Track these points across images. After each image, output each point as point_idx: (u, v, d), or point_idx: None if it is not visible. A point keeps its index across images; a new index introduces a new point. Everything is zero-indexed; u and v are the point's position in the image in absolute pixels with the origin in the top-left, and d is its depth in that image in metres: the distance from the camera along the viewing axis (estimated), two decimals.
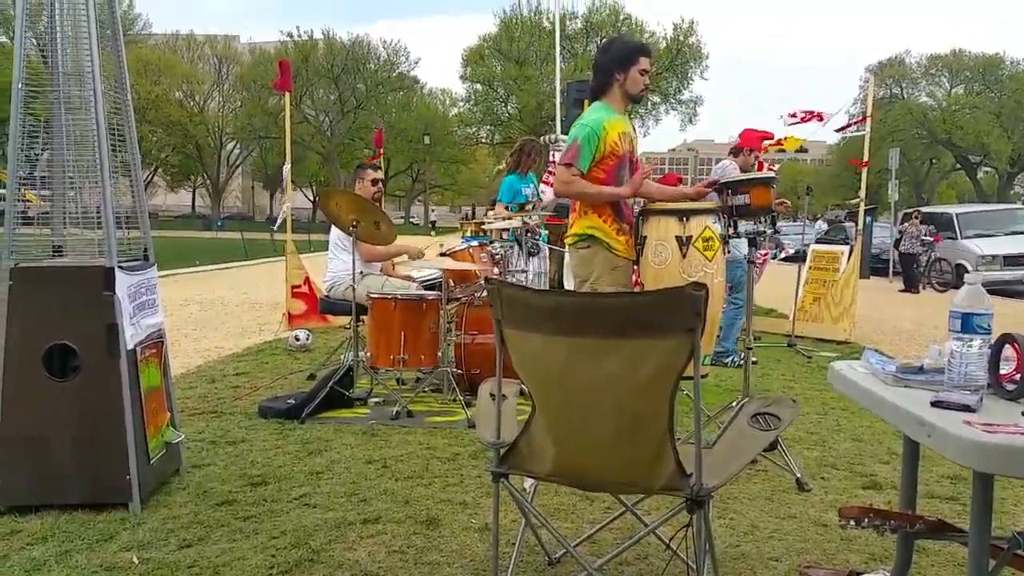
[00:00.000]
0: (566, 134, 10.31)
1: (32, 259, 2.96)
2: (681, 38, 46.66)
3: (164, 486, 3.17)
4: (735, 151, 6.40)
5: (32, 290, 2.89)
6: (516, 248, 5.77)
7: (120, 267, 2.95)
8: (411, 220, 61.38)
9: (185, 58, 55.23)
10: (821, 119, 7.83)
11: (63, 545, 2.60)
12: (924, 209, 19.39)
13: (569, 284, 6.39)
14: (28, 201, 3.03)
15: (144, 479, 2.94)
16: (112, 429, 2.88)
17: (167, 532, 2.73)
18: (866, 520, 1.74)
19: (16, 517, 2.79)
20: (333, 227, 5.34)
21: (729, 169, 6.13)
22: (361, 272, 5.10)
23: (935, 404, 1.50)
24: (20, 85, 2.87)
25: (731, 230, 3.46)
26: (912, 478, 1.89)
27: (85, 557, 2.52)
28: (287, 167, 8.47)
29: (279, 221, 8.82)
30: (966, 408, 1.47)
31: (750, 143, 6.37)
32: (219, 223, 47.37)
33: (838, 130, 8.57)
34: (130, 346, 2.95)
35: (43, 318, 2.89)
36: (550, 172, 8.43)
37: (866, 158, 7.72)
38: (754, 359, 5.48)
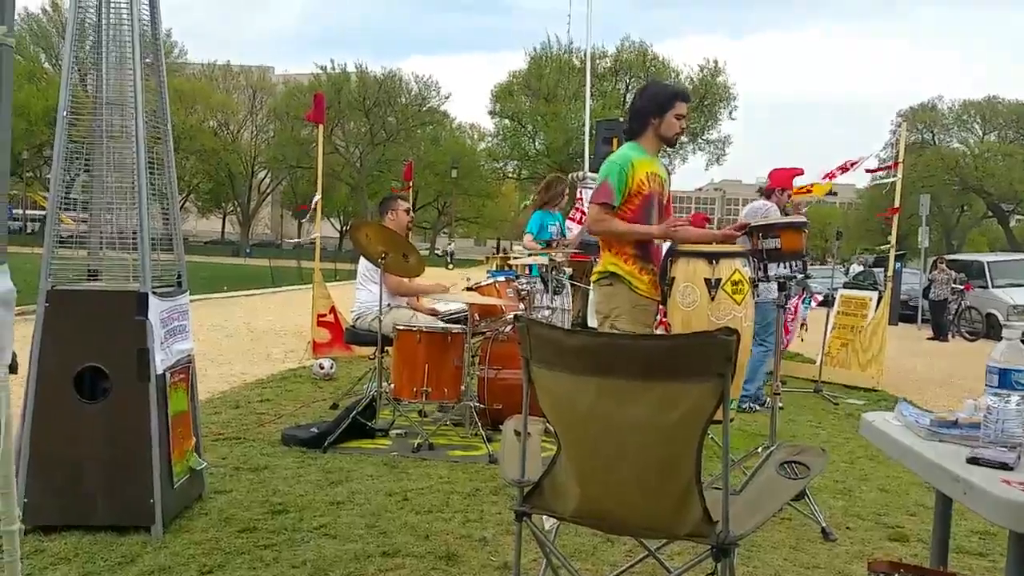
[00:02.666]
0: (595, 171, 10.38)
1: (68, 282, 3.01)
2: (709, 78, 46.91)
3: (186, 511, 3.18)
4: (767, 192, 6.33)
5: (66, 313, 2.94)
6: (541, 285, 5.78)
7: (154, 292, 3.00)
8: (435, 252, 61.73)
9: (220, 87, 56.38)
10: (846, 169, 7.82)
11: (86, 566, 2.61)
12: (954, 256, 19.17)
13: (593, 322, 6.37)
14: (62, 223, 3.09)
15: (167, 503, 2.96)
16: (138, 452, 2.91)
17: (188, 557, 2.74)
18: (896, 575, 1.70)
19: (41, 536, 2.82)
20: (362, 258, 5.38)
21: (771, 211, 6.05)
22: (388, 304, 5.13)
23: (971, 461, 1.47)
24: (65, 113, 2.95)
25: (761, 274, 3.45)
26: (944, 533, 1.85)
27: None
28: (318, 197, 8.58)
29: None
30: (1003, 466, 1.44)
31: (781, 182, 6.30)
32: (248, 250, 47.94)
33: (869, 170, 8.52)
34: (160, 371, 2.99)
35: (76, 340, 2.94)
36: (577, 209, 8.48)
37: (897, 204, 7.67)
38: (780, 404, 5.40)
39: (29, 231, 42.78)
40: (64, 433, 2.91)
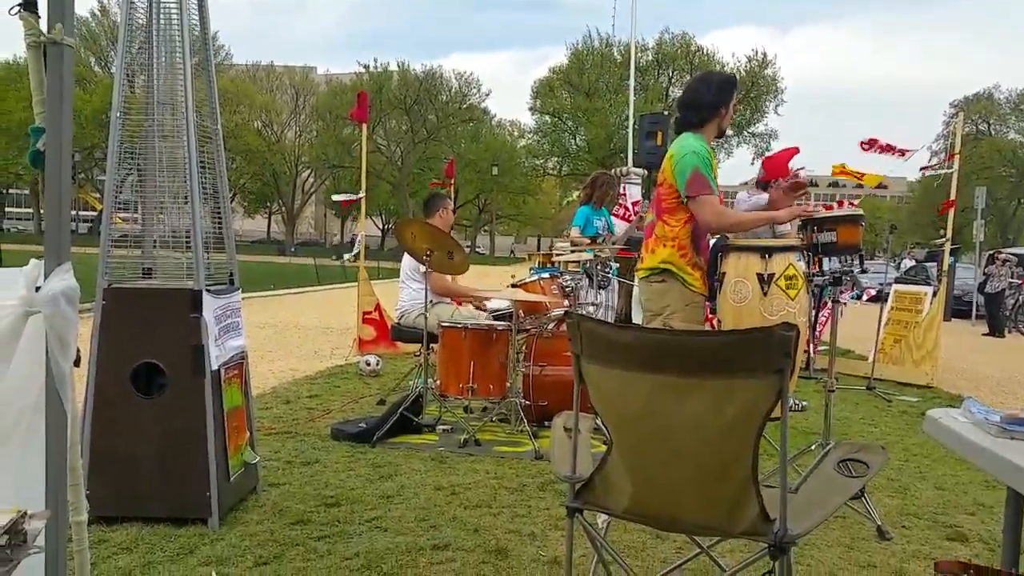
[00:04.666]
0: (637, 167, 10.28)
1: (124, 280, 3.08)
2: (757, 69, 46.12)
3: (241, 503, 3.24)
4: (762, 184, 5.96)
5: (123, 310, 3.01)
6: (586, 281, 5.75)
7: (207, 290, 3.05)
8: (476, 250, 61.93)
9: (264, 88, 57.18)
10: (903, 154, 7.58)
11: (146, 556, 2.67)
12: (1011, 250, 18.59)
13: (637, 318, 6.30)
14: (114, 223, 3.15)
15: (223, 496, 3.01)
16: (195, 446, 2.96)
17: (244, 549, 2.79)
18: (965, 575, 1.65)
19: (103, 527, 2.89)
20: (405, 256, 5.41)
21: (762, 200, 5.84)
22: (432, 301, 5.15)
23: None
24: (119, 113, 3.00)
25: (815, 268, 3.37)
26: (1015, 534, 1.79)
27: (167, 569, 2.59)
28: (361, 194, 8.66)
29: (355, 251, 8.99)
30: None
31: (780, 172, 5.94)
32: (293, 249, 48.62)
33: (923, 168, 8.25)
34: (214, 367, 3.04)
35: (132, 337, 3.00)
36: (621, 205, 8.41)
37: (952, 197, 7.46)
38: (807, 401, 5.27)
39: (85, 230, 43.94)
40: (122, 427, 2.98)
